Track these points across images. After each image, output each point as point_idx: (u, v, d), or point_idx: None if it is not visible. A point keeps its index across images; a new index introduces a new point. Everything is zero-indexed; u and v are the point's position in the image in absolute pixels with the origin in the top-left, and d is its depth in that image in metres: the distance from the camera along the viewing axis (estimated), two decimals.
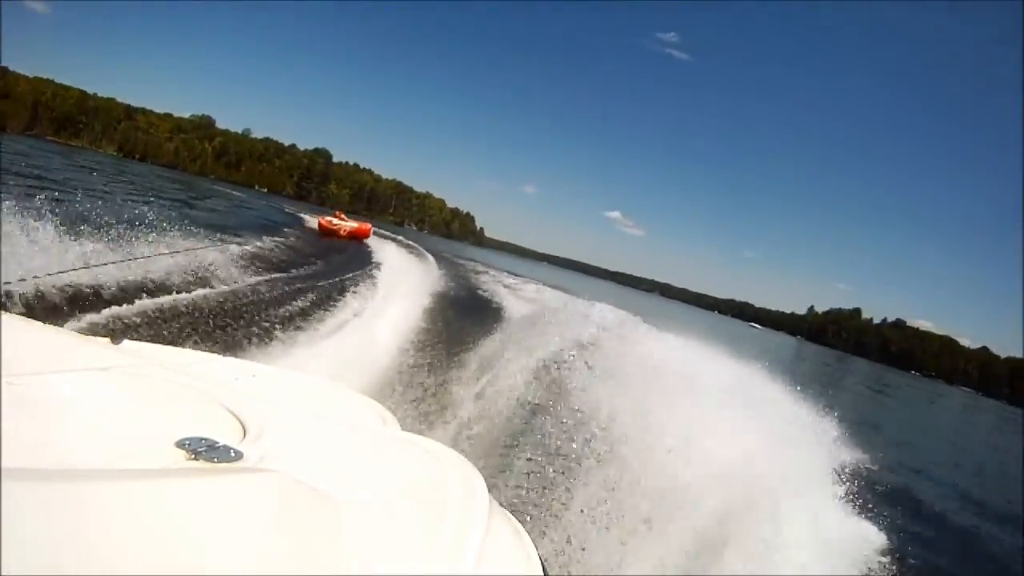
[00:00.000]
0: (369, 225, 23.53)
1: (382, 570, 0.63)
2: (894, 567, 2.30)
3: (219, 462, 0.68)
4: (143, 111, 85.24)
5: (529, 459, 2.87)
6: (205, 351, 2.07)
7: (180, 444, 0.69)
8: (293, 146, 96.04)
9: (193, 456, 0.67)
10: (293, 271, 7.39)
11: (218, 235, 7.16)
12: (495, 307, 8.59)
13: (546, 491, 2.65)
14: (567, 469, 2.67)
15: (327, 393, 1.29)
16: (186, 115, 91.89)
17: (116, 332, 1.47)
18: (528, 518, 2.48)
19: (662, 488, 2.29)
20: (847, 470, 2.51)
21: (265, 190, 78.78)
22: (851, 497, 2.36)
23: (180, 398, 1.05)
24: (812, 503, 2.24)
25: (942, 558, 4.70)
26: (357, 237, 21.15)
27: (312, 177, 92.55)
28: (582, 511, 2.45)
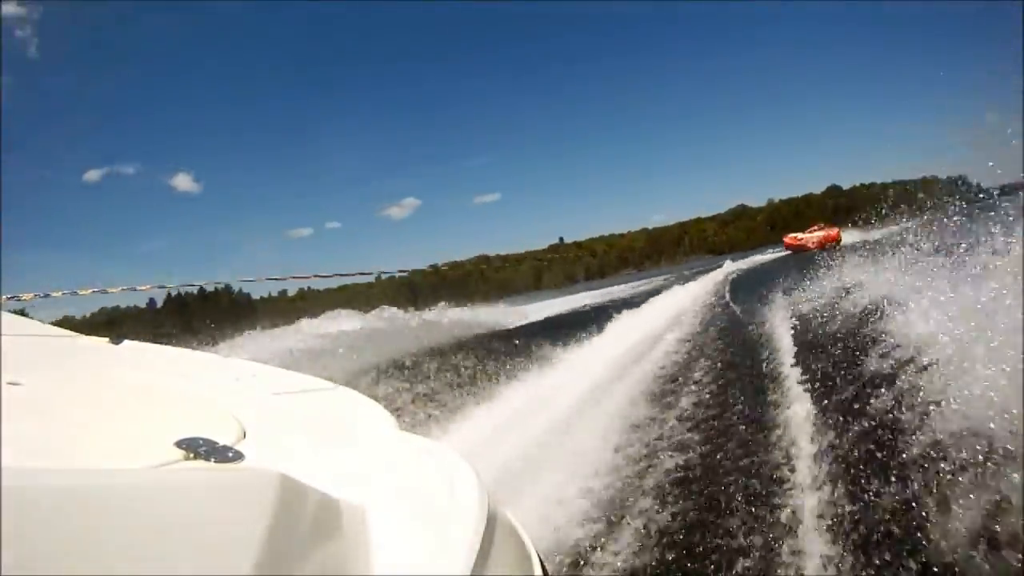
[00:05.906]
0: (837, 230, 23.80)
1: (381, 570, 0.63)
2: None
3: (219, 462, 0.68)
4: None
5: None
6: (206, 351, 2.07)
7: (179, 444, 0.69)
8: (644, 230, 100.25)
9: (192, 456, 0.68)
10: None
11: None
12: None
13: None
14: None
15: (327, 393, 1.29)
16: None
17: (116, 332, 1.47)
18: None
19: None
20: None
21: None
22: None
23: (180, 398, 1.05)
24: None
25: None
26: (825, 244, 21.32)
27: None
28: None
